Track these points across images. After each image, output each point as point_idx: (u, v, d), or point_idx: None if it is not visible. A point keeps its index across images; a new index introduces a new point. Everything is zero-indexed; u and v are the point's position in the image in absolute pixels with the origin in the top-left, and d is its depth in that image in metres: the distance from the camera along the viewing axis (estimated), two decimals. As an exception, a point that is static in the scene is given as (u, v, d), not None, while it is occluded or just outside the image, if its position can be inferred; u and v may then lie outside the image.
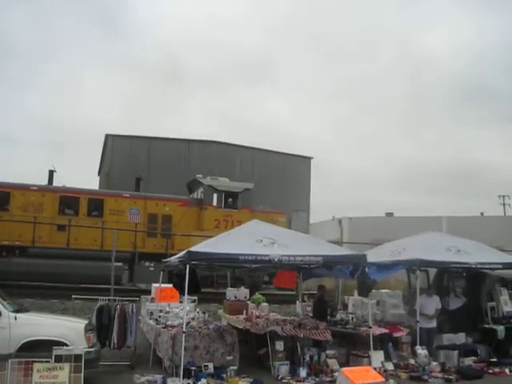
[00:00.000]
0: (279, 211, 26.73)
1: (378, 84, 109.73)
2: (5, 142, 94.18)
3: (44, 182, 24.10)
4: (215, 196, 24.19)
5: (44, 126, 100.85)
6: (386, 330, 12.47)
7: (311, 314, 13.73)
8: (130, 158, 38.37)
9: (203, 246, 10.94)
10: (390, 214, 50.04)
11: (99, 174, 47.12)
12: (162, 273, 13.44)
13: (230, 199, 24.25)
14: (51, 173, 24.21)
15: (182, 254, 10.99)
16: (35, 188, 22.50)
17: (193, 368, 10.08)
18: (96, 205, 23.12)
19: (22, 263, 20.57)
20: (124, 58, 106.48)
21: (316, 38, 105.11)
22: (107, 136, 40.67)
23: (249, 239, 11.09)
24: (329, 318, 13.45)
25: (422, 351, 11.92)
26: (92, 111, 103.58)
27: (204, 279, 20.23)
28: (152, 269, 21.43)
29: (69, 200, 22.95)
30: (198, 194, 25.22)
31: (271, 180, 34.93)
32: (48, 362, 8.85)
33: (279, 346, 11.21)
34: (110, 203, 23.22)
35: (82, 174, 68.63)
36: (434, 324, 12.93)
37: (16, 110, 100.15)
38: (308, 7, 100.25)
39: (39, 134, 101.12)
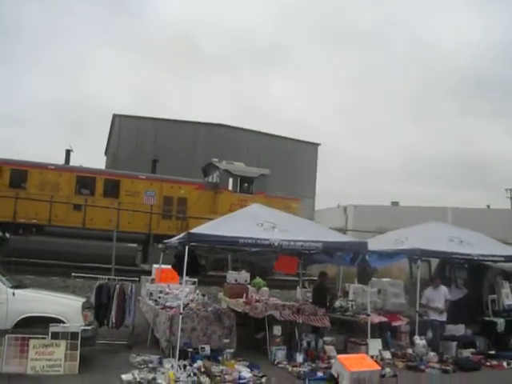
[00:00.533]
0: (294, 197, 26.81)
1: (388, 73, 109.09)
2: (17, 123, 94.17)
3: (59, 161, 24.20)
4: (231, 180, 24.14)
5: (54, 107, 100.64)
6: (385, 319, 12.44)
7: (311, 300, 13.69)
8: (136, 139, 38.38)
9: (203, 228, 10.89)
10: (395, 203, 49.81)
11: (106, 153, 47.12)
12: (162, 254, 13.41)
13: (246, 184, 24.20)
14: (68, 152, 24.27)
15: (182, 235, 10.95)
16: (52, 167, 22.61)
17: (189, 350, 10.07)
18: (112, 185, 23.16)
19: (38, 241, 20.74)
20: (135, 38, 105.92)
21: (328, 25, 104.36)
22: (115, 116, 40.65)
23: (249, 223, 11.00)
24: (328, 304, 13.40)
25: (420, 341, 11.85)
26: (102, 91, 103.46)
27: (216, 262, 20.31)
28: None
29: (85, 180, 23.07)
30: (214, 177, 25.12)
31: (277, 165, 34.70)
32: (44, 338, 8.89)
33: (277, 330, 11.21)
34: (126, 184, 23.24)
35: (90, 153, 68.27)
36: (444, 317, 12.72)
37: (25, 91, 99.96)
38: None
39: (51, 115, 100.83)
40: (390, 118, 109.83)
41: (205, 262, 21.15)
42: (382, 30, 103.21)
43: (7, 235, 21.81)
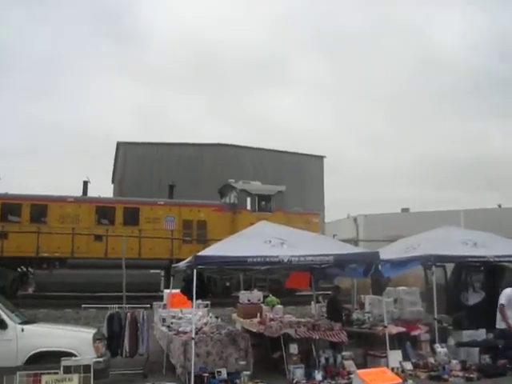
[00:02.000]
0: (313, 212, 26.97)
1: (388, 77, 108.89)
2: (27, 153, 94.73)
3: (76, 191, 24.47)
4: (249, 200, 24.21)
5: (59, 136, 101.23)
6: (403, 329, 12.17)
7: (326, 316, 13.46)
8: (142, 165, 38.48)
9: (211, 250, 10.77)
10: (405, 210, 49.42)
11: (112, 181, 47.24)
12: (171, 278, 13.27)
13: (264, 202, 24.27)
14: (85, 183, 24.38)
15: (189, 258, 10.80)
16: (71, 199, 22.89)
17: (205, 374, 9.88)
18: (132, 213, 23.30)
19: (62, 274, 20.97)
20: (132, 63, 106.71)
21: (321, 34, 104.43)
22: (119, 143, 40.80)
23: (257, 240, 10.87)
24: (344, 318, 13.16)
25: (441, 349, 11.59)
26: (105, 117, 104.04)
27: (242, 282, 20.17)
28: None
29: (105, 210, 23.28)
30: (231, 198, 25.18)
31: (284, 181, 34.47)
32: (57, 373, 8.71)
33: (293, 349, 10.98)
34: (145, 211, 23.39)
35: (97, 182, 68.40)
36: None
37: (27, 121, 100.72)
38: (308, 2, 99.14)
39: (58, 143, 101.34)
40: (393, 123, 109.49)
41: (229, 283, 21.25)
42: (380, 33, 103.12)
43: (31, 270, 22.00)
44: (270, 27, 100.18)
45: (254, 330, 12.04)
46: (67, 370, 8.73)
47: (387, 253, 12.58)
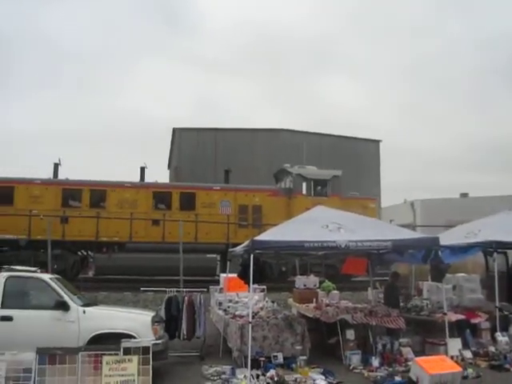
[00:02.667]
0: (369, 197, 26.74)
1: (445, 61, 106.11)
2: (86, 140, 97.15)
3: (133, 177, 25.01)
4: (304, 184, 24.10)
5: (113, 124, 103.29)
6: (463, 316, 11.94)
7: (383, 302, 13.30)
8: (197, 150, 38.82)
9: (267, 235, 10.75)
10: (464, 195, 48.03)
11: (169, 167, 47.87)
12: (228, 262, 13.36)
13: (319, 187, 24.09)
14: (142, 169, 24.71)
15: (246, 243, 10.83)
16: (129, 185, 23.41)
17: (262, 358, 9.92)
18: (188, 198, 23.59)
19: (120, 258, 21.56)
20: (188, 51, 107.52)
21: (379, 15, 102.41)
22: (175, 130, 41.24)
23: (314, 225, 10.74)
24: (402, 305, 12.97)
25: (502, 338, 11.30)
26: (162, 105, 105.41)
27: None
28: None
29: (161, 195, 23.67)
30: (287, 183, 25.09)
31: (340, 166, 34.16)
32: (117, 354, 8.92)
33: (350, 334, 10.93)
34: (201, 196, 23.64)
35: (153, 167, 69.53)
36: None
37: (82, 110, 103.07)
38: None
39: (107, 132, 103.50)
40: (452, 106, 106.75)
41: (285, 268, 21.34)
42: (434, 16, 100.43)
43: (91, 254, 22.67)
44: (322, 8, 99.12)
45: (310, 316, 12.02)
46: (127, 351, 8.93)
47: (446, 239, 12.27)
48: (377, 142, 44.41)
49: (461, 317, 11.87)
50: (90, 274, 23.94)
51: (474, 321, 12.09)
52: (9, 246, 21.39)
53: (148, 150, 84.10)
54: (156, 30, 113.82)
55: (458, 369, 8.83)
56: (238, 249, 11.98)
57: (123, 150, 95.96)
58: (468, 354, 10.85)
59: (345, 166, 35.25)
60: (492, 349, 11.14)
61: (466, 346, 11.27)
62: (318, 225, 10.74)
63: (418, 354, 10.44)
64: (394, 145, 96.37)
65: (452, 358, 9.83)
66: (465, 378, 9.25)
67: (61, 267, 20.32)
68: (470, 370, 9.68)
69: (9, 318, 9.26)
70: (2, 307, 9.39)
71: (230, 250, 13.36)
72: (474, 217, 16.00)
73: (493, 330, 11.80)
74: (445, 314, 11.01)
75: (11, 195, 21.88)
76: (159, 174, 55.09)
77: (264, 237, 10.57)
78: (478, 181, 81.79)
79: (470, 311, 12.51)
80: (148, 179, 24.56)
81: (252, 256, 9.76)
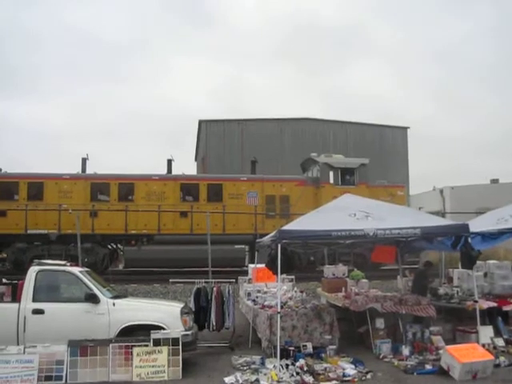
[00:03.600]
0: (397, 185, 26.38)
1: (475, 46, 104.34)
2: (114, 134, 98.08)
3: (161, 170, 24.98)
4: (331, 173, 23.89)
5: (138, 118, 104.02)
6: (495, 304, 11.75)
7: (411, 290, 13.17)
8: (223, 142, 38.90)
9: (295, 224, 10.70)
10: (495, 181, 47.21)
11: (196, 159, 48.08)
12: (256, 253, 13.37)
13: (347, 175, 23.90)
14: (169, 162, 24.78)
15: (273, 233, 10.81)
16: (156, 177, 23.47)
17: (291, 348, 9.91)
18: (215, 190, 23.64)
19: (149, 250, 21.78)
20: (214, 42, 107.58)
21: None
22: (201, 122, 41.39)
23: (342, 214, 10.65)
24: (428, 294, 12.79)
25: (536, 325, 11.13)
26: (188, 98, 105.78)
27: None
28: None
29: (189, 187, 23.79)
30: (314, 172, 24.98)
31: (367, 154, 33.95)
32: (147, 345, 9.03)
33: (380, 323, 10.88)
34: (228, 187, 23.65)
35: (180, 160, 69.92)
36: None
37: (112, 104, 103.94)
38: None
39: (135, 126, 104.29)
40: (480, 92, 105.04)
41: (313, 257, 21.36)
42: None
43: (120, 247, 22.88)
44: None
45: (339, 305, 12.00)
46: (157, 342, 9.06)
47: (476, 225, 12.06)
48: (404, 128, 43.99)
49: (492, 304, 11.69)
50: (120, 266, 24.18)
51: (506, 308, 11.90)
52: (40, 241, 21.67)
53: (176, 143, 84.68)
54: (184, 24, 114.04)
55: (490, 357, 8.74)
56: (266, 239, 11.96)
57: (150, 142, 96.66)
58: (500, 342, 10.68)
59: (372, 153, 35.09)
60: (525, 337, 10.97)
61: (497, 333, 11.10)
62: (345, 213, 10.65)
63: (448, 342, 10.38)
64: (423, 132, 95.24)
65: (483, 346, 9.71)
66: (497, 366, 9.14)
67: (91, 260, 20.65)
68: (502, 358, 9.54)
69: (40, 311, 9.44)
70: (34, 301, 9.57)
71: (258, 240, 13.34)
72: (504, 203, 15.70)
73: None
74: (476, 301, 10.86)
75: (41, 191, 22.19)
76: (186, 166, 55.32)
77: (291, 227, 10.52)
78: (508, 167, 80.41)
79: (501, 298, 12.32)
80: (175, 171, 24.66)
81: (279, 246, 9.75)
